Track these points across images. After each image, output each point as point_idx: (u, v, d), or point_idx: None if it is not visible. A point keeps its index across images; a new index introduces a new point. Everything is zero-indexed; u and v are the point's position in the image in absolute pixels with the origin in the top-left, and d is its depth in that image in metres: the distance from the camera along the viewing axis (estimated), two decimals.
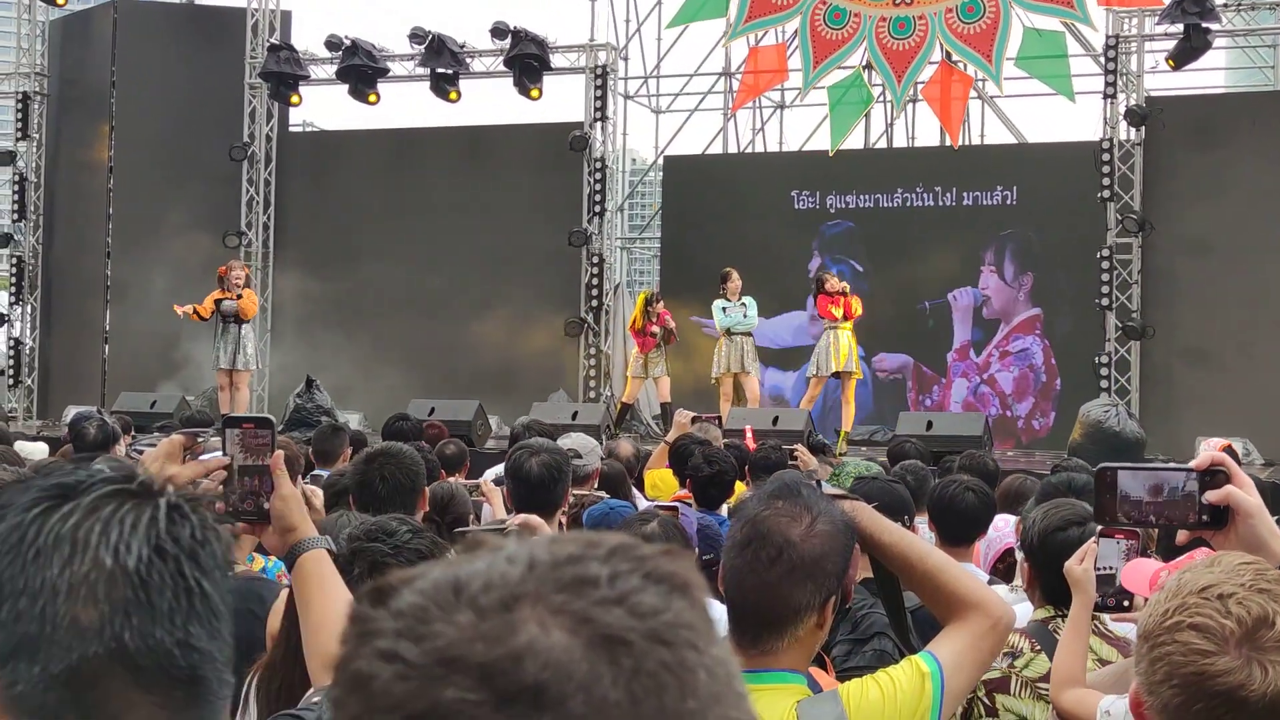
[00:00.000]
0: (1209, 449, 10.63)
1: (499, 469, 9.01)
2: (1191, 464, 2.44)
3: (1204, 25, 17.02)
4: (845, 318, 16.19)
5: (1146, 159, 17.74)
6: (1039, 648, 3.75)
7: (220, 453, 2.77)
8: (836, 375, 16.29)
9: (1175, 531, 2.54)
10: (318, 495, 6.15)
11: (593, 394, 19.38)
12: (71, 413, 13.69)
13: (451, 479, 8.14)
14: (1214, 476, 2.40)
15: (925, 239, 19.00)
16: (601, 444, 8.84)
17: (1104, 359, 17.48)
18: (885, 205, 19.41)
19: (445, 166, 20.73)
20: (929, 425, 14.64)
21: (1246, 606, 1.94)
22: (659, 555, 0.97)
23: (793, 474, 5.10)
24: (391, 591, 0.96)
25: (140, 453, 3.01)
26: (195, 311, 17.17)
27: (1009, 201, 18.89)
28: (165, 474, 2.73)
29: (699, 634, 0.94)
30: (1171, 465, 2.55)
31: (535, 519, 3.41)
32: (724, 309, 16.67)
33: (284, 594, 3.13)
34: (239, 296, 16.95)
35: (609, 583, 0.93)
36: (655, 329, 16.92)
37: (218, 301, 17.22)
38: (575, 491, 6.79)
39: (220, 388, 17.50)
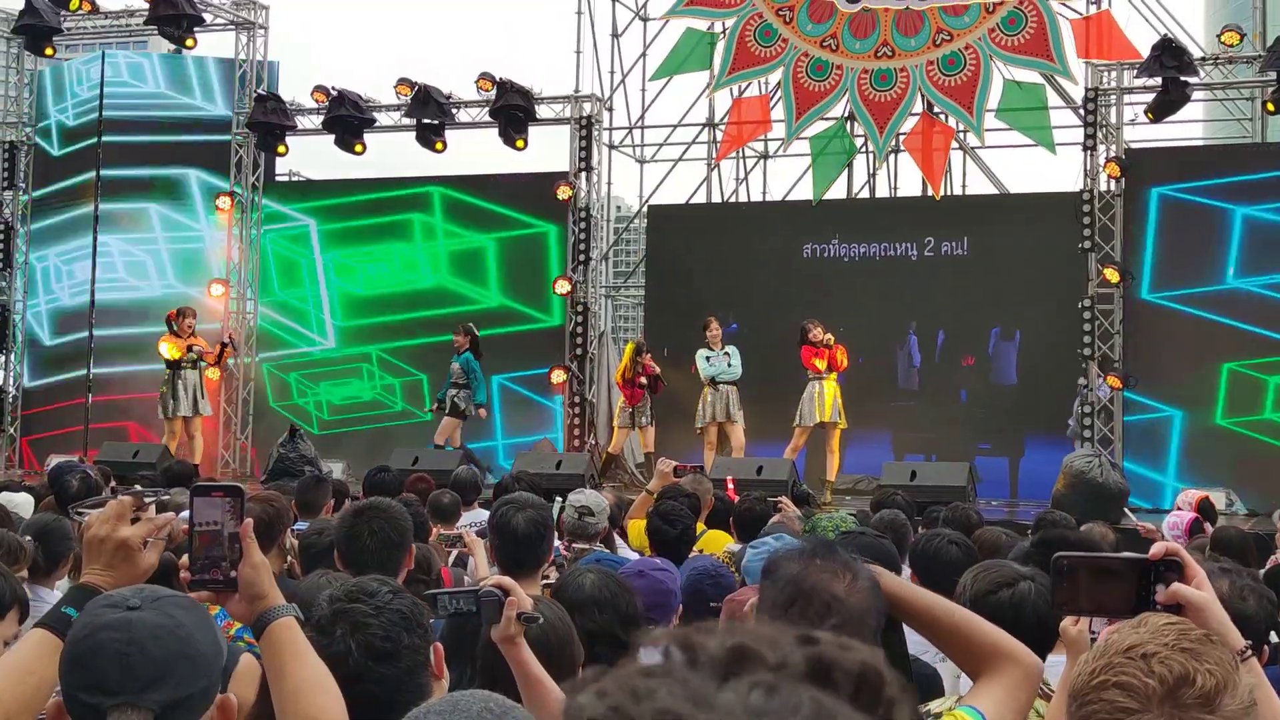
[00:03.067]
0: (1188, 501, 10.68)
1: (472, 516, 9.04)
2: (1149, 553, 2.48)
3: (1182, 79, 17.18)
4: (830, 369, 16.28)
5: (1127, 209, 17.85)
6: None
7: (187, 520, 2.78)
8: (821, 425, 16.38)
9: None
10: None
11: (577, 443, 19.36)
12: (53, 462, 13.69)
13: (438, 528, 8.17)
14: (1168, 567, 2.44)
15: (905, 287, 19.04)
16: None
17: (1086, 409, 17.53)
18: (867, 254, 19.47)
19: (430, 214, 20.78)
20: (913, 475, 14.66)
21: (1169, 665, 1.99)
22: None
23: (775, 535, 5.09)
24: None
25: (83, 515, 3.01)
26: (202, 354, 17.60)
27: (990, 251, 18.96)
28: (117, 535, 2.77)
29: None
30: (1126, 555, 2.58)
31: (509, 581, 3.42)
32: (708, 358, 16.76)
33: (246, 659, 3.12)
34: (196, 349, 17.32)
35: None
36: (643, 380, 16.99)
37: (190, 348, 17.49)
38: (577, 545, 6.83)
39: (173, 435, 17.55)
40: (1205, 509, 10.49)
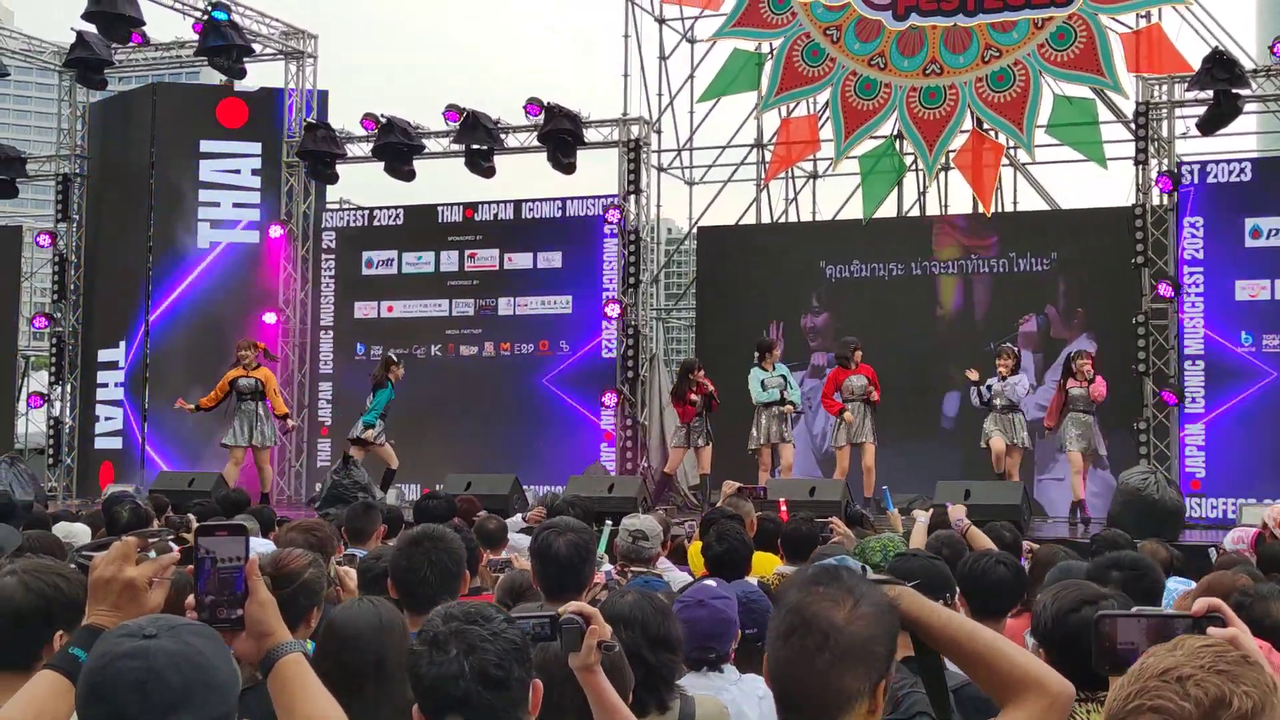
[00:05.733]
0: (1262, 512, 10.48)
1: (520, 539, 9.03)
2: (1192, 610, 2.44)
3: (1234, 91, 17.00)
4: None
5: (1180, 223, 17.66)
6: None
7: (193, 559, 2.78)
8: (856, 446, 16.50)
9: None
10: (350, 576, 6.17)
11: (629, 465, 19.36)
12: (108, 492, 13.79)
13: (487, 554, 8.15)
14: (1212, 623, 2.40)
15: (962, 305, 18.94)
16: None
17: (1142, 425, 17.34)
18: (916, 273, 19.37)
19: (481, 239, 20.84)
20: (967, 494, 14.51)
21: (1204, 688, 1.95)
22: None
23: (836, 557, 5.05)
24: None
25: (89, 558, 3.03)
26: (197, 406, 17.46)
27: (1044, 267, 18.83)
28: (123, 576, 2.78)
29: None
30: (1169, 611, 2.53)
31: (589, 608, 3.39)
32: (763, 382, 16.74)
33: None
34: (257, 382, 17.34)
35: None
36: (695, 397, 16.96)
37: (233, 381, 17.55)
38: (634, 569, 6.80)
39: (236, 462, 17.59)
40: None
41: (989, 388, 16.32)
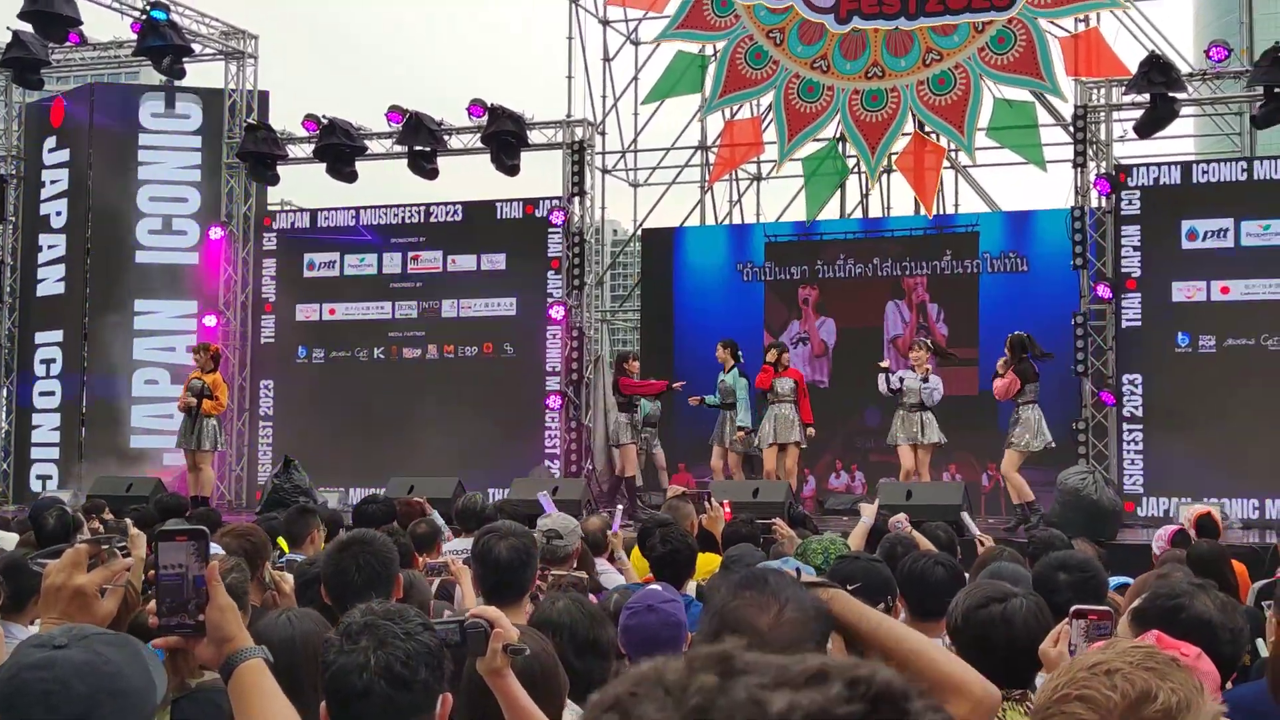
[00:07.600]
0: (1188, 516, 10.60)
1: (456, 544, 8.99)
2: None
3: (1170, 94, 17.16)
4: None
5: (1118, 225, 17.83)
6: None
7: (154, 565, 2.75)
8: (780, 448, 16.49)
9: None
10: (287, 581, 6.12)
11: (574, 469, 19.32)
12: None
13: (422, 558, 8.11)
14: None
15: (901, 307, 19.07)
16: (582, 519, 8.87)
17: (1080, 425, 17.48)
18: (863, 274, 19.48)
19: (425, 241, 20.74)
20: (909, 495, 14.58)
21: (1131, 681, 1.99)
22: None
23: (755, 557, 5.03)
24: None
25: (42, 565, 3.00)
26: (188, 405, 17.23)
27: (984, 269, 19.00)
28: (73, 583, 2.75)
29: None
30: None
31: (493, 610, 3.38)
32: (719, 384, 16.85)
33: None
34: (203, 384, 17.00)
35: None
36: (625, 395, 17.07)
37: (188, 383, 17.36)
38: (554, 571, 6.78)
39: (190, 468, 17.43)
40: (1204, 525, 10.38)
41: (901, 379, 16.14)
